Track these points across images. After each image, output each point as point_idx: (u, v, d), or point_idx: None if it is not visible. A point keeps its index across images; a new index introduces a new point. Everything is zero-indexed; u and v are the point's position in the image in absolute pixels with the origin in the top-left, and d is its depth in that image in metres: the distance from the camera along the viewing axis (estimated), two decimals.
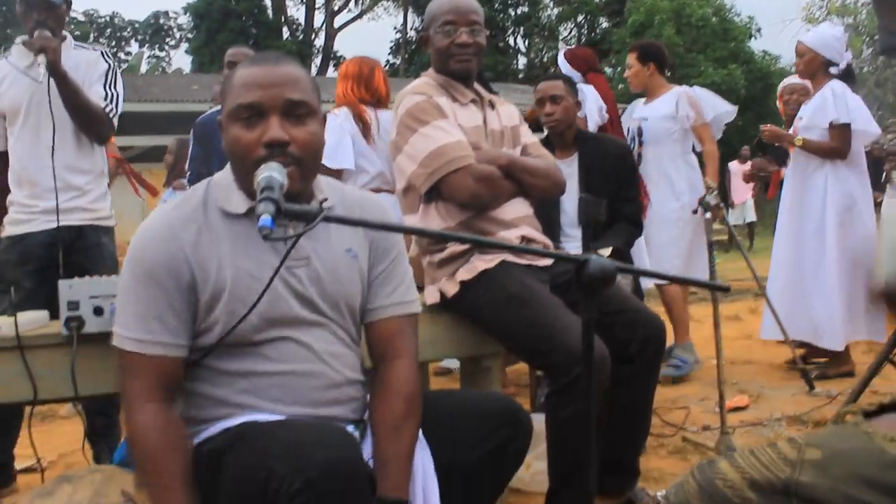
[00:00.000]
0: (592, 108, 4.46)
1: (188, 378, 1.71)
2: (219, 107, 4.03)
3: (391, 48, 32.04)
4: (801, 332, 4.51)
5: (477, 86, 2.68)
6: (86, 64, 3.19)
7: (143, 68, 29.02)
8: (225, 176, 1.74)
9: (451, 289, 2.45)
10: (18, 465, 3.57)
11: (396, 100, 2.60)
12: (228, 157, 1.69)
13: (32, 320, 2.22)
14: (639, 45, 4.91)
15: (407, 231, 1.49)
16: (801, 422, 3.66)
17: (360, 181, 3.82)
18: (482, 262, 2.43)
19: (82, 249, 3.19)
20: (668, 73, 5.21)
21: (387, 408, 1.71)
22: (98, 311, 2.07)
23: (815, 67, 4.45)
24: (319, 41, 31.35)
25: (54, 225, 3.07)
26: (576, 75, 4.60)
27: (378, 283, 1.83)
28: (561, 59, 4.79)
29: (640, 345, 2.45)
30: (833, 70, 4.42)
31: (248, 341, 1.66)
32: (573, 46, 4.91)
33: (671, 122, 4.65)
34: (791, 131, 4.70)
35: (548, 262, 2.55)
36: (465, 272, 2.44)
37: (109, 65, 3.27)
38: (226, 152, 1.69)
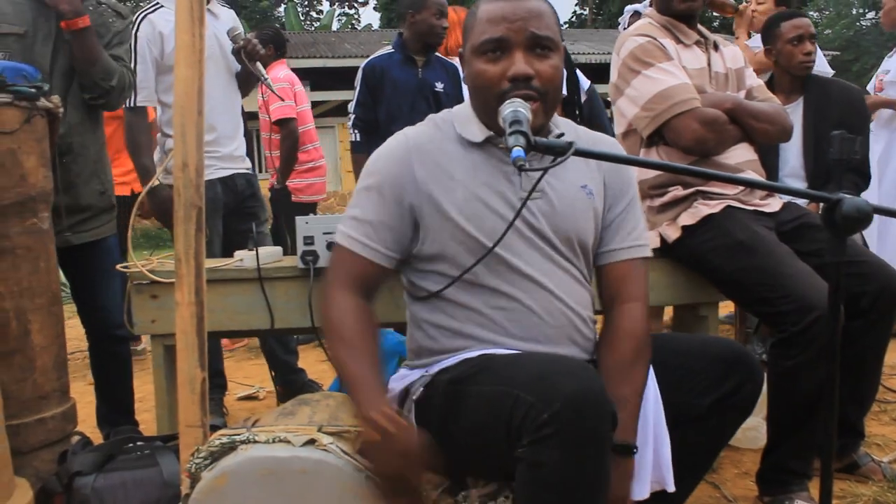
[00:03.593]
0: None
1: (425, 310, 1.77)
2: (388, 49, 3.95)
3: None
4: None
5: (700, 27, 2.59)
6: (234, 22, 3.27)
7: (335, 26, 30.01)
8: (464, 108, 1.78)
9: (673, 233, 2.41)
10: (241, 392, 3.88)
11: (617, 42, 2.55)
12: (471, 90, 1.72)
13: (270, 254, 2.37)
14: None
15: (651, 166, 1.47)
16: None
17: None
18: (706, 207, 2.37)
19: (253, 196, 3.36)
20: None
21: (616, 350, 1.70)
22: (331, 247, 2.18)
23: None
24: None
25: (229, 172, 3.23)
26: None
27: (615, 225, 1.82)
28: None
29: (873, 299, 2.31)
30: None
31: (485, 274, 1.69)
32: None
33: None
34: (875, 86, 4.46)
35: (774, 208, 2.45)
36: (689, 217, 2.38)
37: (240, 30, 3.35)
38: (468, 86, 1.72)
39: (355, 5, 36.28)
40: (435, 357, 1.73)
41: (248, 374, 4.23)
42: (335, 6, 35.26)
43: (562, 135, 1.69)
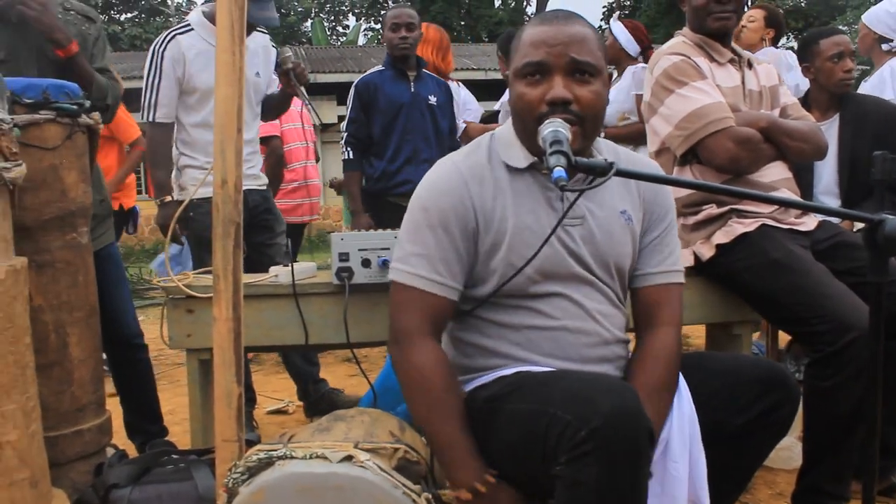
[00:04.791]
0: None
1: (461, 328, 1.78)
2: (379, 67, 3.96)
3: (604, 13, 31.36)
4: None
5: (734, 45, 2.58)
6: (263, 50, 3.34)
7: (361, 40, 30.19)
8: (507, 131, 1.78)
9: (707, 252, 2.40)
10: (270, 406, 3.89)
11: (651, 61, 2.56)
12: (512, 112, 1.73)
13: (303, 270, 2.39)
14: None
15: (691, 186, 1.48)
16: None
17: None
18: (741, 226, 2.36)
19: (268, 210, 3.43)
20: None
21: (646, 373, 1.70)
22: (366, 264, 2.20)
23: (869, 44, 4.21)
24: (531, 9, 31.24)
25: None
26: (634, 48, 4.38)
27: (650, 249, 1.82)
28: (620, 28, 4.49)
29: None
30: (885, 47, 4.10)
31: (522, 294, 1.70)
32: (625, 19, 4.65)
33: None
34: None
35: (810, 227, 2.44)
36: (723, 235, 2.38)
37: (277, 50, 3.40)
38: (511, 108, 1.73)
39: (381, 20, 36.58)
40: (470, 375, 1.74)
41: (276, 388, 4.25)
42: (361, 21, 35.51)
43: (604, 159, 1.69)
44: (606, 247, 1.74)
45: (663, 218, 1.84)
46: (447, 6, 26.38)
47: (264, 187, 3.47)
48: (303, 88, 3.21)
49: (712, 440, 1.67)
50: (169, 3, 27.92)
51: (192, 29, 3.18)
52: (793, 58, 4.57)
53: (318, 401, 3.65)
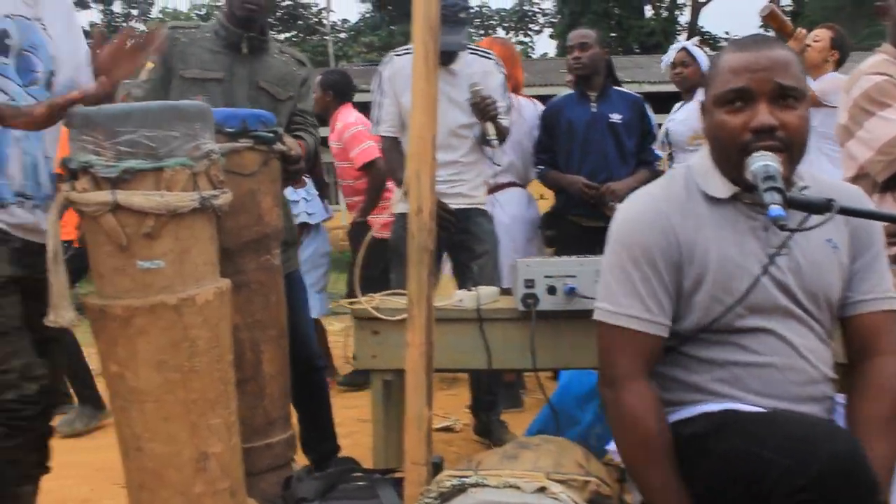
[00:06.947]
0: None
1: (661, 361, 1.74)
2: (570, 91, 3.96)
3: (761, 24, 30.28)
4: None
5: None
6: (482, 75, 3.34)
7: None
8: (703, 160, 1.74)
9: None
10: (437, 423, 3.94)
11: (848, 81, 2.44)
12: (711, 141, 1.69)
13: (487, 295, 2.41)
14: None
15: None
16: None
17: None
18: None
19: (465, 230, 3.37)
20: None
21: (872, 405, 1.61)
22: (551, 291, 2.19)
23: None
24: (684, 17, 30.49)
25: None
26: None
27: (860, 275, 1.72)
28: (698, 52, 4.41)
29: None
30: None
31: (727, 329, 1.65)
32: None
33: None
34: None
35: None
36: None
37: (504, 75, 3.43)
38: (708, 137, 1.69)
39: (531, 33, 36.60)
40: (670, 408, 1.70)
41: (442, 405, 4.29)
42: (511, 34, 35.68)
43: (805, 187, 1.62)
44: (814, 277, 1.66)
45: (872, 242, 1.74)
46: (597, 19, 26.11)
47: (466, 206, 3.40)
48: (488, 125, 3.20)
49: None
50: (325, 22, 28.94)
51: (409, 52, 3.31)
52: None
53: (485, 425, 3.66)
